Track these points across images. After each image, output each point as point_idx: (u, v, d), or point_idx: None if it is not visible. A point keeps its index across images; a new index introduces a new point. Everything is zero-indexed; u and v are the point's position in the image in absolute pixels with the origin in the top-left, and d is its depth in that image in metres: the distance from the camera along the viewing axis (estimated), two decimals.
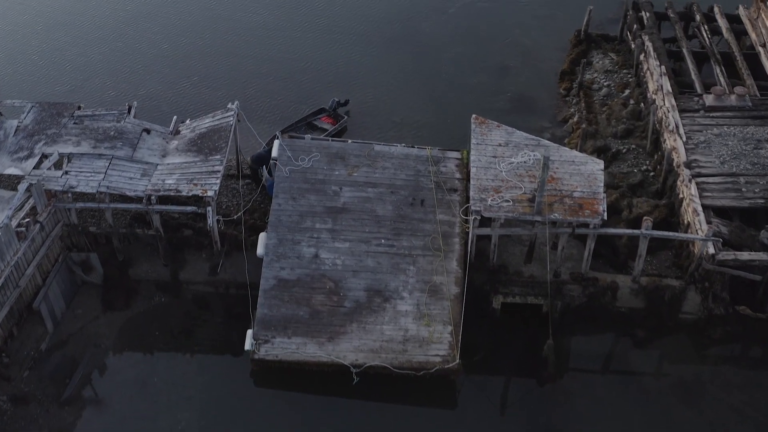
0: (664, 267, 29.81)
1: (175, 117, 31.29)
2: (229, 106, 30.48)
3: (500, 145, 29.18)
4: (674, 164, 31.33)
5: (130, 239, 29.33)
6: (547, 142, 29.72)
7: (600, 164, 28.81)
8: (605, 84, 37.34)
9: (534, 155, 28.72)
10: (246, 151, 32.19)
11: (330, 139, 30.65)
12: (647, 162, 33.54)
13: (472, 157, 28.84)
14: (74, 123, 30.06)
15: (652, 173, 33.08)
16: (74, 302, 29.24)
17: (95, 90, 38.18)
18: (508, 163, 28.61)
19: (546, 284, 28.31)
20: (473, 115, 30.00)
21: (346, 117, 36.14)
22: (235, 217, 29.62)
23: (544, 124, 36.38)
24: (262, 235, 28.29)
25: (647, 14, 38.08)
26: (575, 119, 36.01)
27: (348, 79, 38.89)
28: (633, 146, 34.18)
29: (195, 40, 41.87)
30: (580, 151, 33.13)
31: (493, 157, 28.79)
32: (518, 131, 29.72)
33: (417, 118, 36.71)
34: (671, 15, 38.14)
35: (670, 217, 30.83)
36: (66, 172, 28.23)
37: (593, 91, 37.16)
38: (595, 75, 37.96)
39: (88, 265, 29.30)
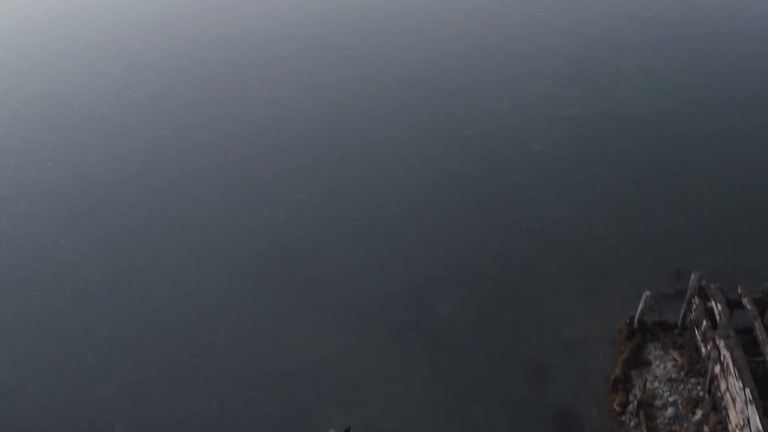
0: None
1: None
2: None
3: None
4: None
5: None
6: None
7: None
8: (670, 399, 29.56)
9: None
10: None
11: None
12: None
13: None
14: None
15: None
16: None
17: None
18: None
19: None
20: None
21: None
22: None
23: None
24: None
25: (718, 306, 30.55)
26: None
27: (348, 387, 31.08)
28: None
29: (149, 342, 34.17)
30: None
31: None
32: None
33: None
34: (748, 307, 30.58)
35: None
36: None
37: (656, 410, 29.35)
38: (657, 385, 30.20)
39: None
